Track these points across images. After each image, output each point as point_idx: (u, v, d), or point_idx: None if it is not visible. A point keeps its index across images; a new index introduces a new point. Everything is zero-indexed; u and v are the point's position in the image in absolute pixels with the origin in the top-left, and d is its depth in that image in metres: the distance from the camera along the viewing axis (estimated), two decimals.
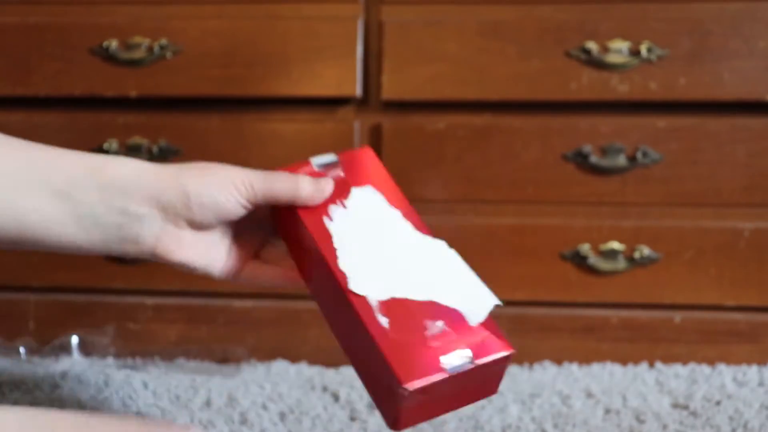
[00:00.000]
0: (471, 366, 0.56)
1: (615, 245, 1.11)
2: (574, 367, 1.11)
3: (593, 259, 1.11)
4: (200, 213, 0.65)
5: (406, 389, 0.54)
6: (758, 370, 1.08)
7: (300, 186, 0.67)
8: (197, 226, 0.67)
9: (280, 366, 1.13)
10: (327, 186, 0.68)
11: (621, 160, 1.10)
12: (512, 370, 1.10)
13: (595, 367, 1.10)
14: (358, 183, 0.70)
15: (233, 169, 0.66)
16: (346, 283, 0.61)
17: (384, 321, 0.58)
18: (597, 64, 1.08)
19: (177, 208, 0.65)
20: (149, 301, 1.17)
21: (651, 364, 1.12)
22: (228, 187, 0.65)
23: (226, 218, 0.67)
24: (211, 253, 0.68)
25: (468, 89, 1.11)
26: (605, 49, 1.08)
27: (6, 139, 0.64)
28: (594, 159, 1.10)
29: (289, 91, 1.12)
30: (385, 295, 0.61)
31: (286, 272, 0.72)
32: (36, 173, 0.63)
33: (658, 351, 1.12)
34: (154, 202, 0.65)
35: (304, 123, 1.13)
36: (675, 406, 0.99)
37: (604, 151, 1.10)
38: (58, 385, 1.00)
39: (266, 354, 1.15)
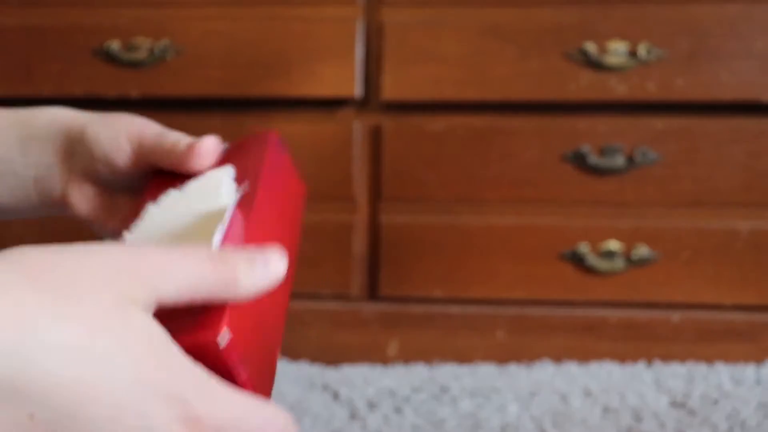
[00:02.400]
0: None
1: (613, 245, 1.11)
2: (572, 366, 1.11)
3: (592, 259, 1.12)
4: (93, 163, 0.58)
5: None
6: (755, 368, 1.08)
7: (181, 140, 0.56)
8: (95, 179, 0.59)
9: (280, 364, 1.13)
10: (204, 146, 0.55)
11: (619, 161, 1.10)
12: (511, 369, 1.11)
13: (594, 366, 1.11)
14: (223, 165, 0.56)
15: (131, 119, 0.59)
16: None
17: None
18: (595, 64, 1.09)
19: (79, 157, 0.59)
20: None
21: (649, 363, 1.12)
22: (115, 134, 0.57)
23: (117, 170, 0.58)
24: (121, 215, 0.60)
25: (468, 90, 1.11)
26: (604, 50, 1.09)
27: None
28: (592, 159, 1.11)
29: (289, 92, 1.13)
30: None
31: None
32: None
33: (656, 350, 1.13)
34: (62, 150, 0.59)
35: (305, 124, 1.14)
36: (673, 404, 1.00)
37: (602, 152, 1.11)
38: None
39: None
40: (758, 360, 1.11)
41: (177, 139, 0.56)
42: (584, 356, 1.13)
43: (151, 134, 0.57)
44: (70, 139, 0.59)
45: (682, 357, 1.12)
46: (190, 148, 0.55)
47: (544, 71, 1.10)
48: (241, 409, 0.40)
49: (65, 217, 0.62)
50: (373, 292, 1.17)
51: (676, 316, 1.13)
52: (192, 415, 0.37)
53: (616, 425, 0.94)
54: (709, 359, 1.12)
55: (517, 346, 1.15)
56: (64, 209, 0.61)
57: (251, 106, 1.15)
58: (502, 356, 1.14)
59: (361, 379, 1.07)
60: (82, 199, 0.60)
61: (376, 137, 1.14)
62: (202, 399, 0.38)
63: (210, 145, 0.55)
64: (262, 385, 0.47)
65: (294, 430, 0.42)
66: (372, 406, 1.00)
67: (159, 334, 0.38)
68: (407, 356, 1.16)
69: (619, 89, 1.09)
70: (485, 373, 1.10)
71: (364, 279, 1.17)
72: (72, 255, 0.38)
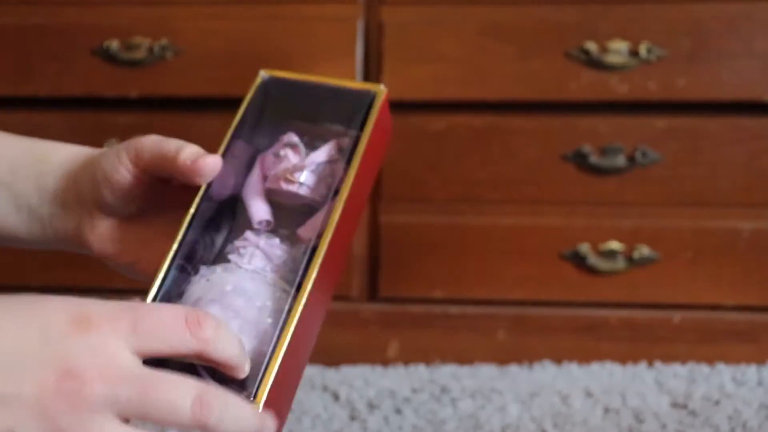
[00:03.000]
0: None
1: (614, 245, 1.11)
2: (573, 367, 1.11)
3: (592, 259, 1.11)
4: (98, 189, 0.57)
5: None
6: (757, 369, 1.08)
7: (184, 148, 0.55)
8: (104, 208, 0.58)
9: None
10: (209, 166, 0.54)
11: (620, 161, 1.10)
12: (512, 370, 1.10)
13: (595, 367, 1.10)
14: None
15: (132, 139, 0.57)
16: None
17: None
18: (596, 64, 1.09)
19: (86, 188, 0.58)
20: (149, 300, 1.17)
21: (650, 364, 1.12)
22: (116, 153, 0.56)
23: (120, 192, 0.57)
24: (135, 248, 0.59)
25: (468, 89, 1.11)
26: (604, 50, 1.09)
27: None
28: (593, 159, 1.10)
29: None
30: None
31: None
32: None
33: (658, 350, 1.13)
34: (73, 186, 0.58)
35: None
36: (674, 405, 0.99)
37: (603, 152, 1.10)
38: None
39: None
40: (760, 361, 1.11)
41: (178, 145, 0.55)
42: (585, 357, 1.13)
43: (149, 143, 0.56)
44: (78, 173, 0.59)
45: (683, 358, 1.12)
46: (194, 164, 0.54)
47: (544, 71, 1.10)
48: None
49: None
50: (372, 293, 1.17)
51: (677, 317, 1.13)
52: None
53: (617, 426, 0.94)
54: (710, 360, 1.11)
55: (518, 346, 1.15)
56: (80, 247, 0.60)
57: None
58: (503, 357, 1.14)
59: (361, 380, 1.07)
60: (95, 234, 0.59)
61: None
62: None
63: (214, 164, 0.55)
64: (284, 405, 0.49)
65: None
66: (372, 406, 0.99)
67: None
68: (407, 357, 1.15)
69: (619, 89, 1.09)
70: (486, 373, 1.09)
71: (364, 279, 1.17)
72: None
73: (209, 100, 1.15)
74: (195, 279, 0.52)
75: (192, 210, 0.53)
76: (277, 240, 0.53)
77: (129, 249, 0.59)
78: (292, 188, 0.54)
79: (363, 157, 0.54)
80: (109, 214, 0.58)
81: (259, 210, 0.55)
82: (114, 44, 1.13)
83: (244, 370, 0.45)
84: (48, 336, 0.41)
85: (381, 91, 0.57)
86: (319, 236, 0.51)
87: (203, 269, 0.52)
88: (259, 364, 0.46)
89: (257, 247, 0.52)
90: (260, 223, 0.54)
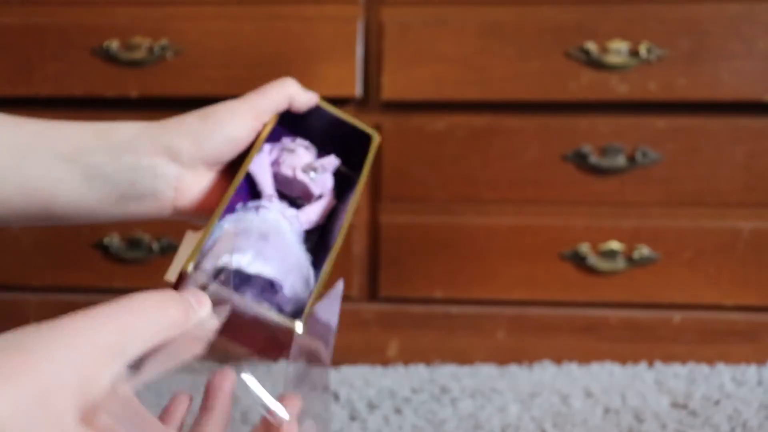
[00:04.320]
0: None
1: (614, 245, 1.11)
2: (573, 367, 1.11)
3: (592, 259, 1.11)
4: (213, 148, 0.63)
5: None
6: (757, 369, 1.08)
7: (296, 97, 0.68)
8: (212, 162, 0.64)
9: (280, 365, 1.13)
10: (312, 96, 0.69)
11: (620, 161, 1.10)
12: (512, 370, 1.10)
13: (595, 367, 1.11)
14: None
15: (235, 104, 0.67)
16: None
17: None
18: (596, 64, 1.09)
19: (190, 150, 0.62)
20: None
21: (650, 364, 1.12)
22: (240, 114, 0.65)
23: (239, 147, 0.65)
24: (214, 196, 0.65)
25: (468, 89, 1.11)
26: (604, 50, 1.09)
27: (8, 117, 0.62)
28: (593, 159, 1.10)
29: None
30: None
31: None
32: (42, 142, 0.60)
33: (658, 350, 1.13)
34: (164, 150, 0.62)
35: None
36: (674, 405, 0.99)
37: (603, 152, 1.10)
38: None
39: None
40: (760, 361, 1.11)
41: (289, 96, 0.67)
42: (585, 357, 1.13)
43: (268, 105, 0.66)
44: (170, 139, 0.63)
45: (683, 358, 1.12)
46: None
47: (544, 71, 1.10)
48: None
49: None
50: (373, 293, 1.17)
51: (677, 317, 1.13)
52: None
53: (617, 426, 0.94)
54: (710, 360, 1.12)
55: (518, 346, 1.15)
56: (172, 210, 0.64)
57: None
58: (503, 357, 1.14)
59: (361, 380, 1.07)
60: (199, 192, 0.63)
61: None
62: None
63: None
64: None
65: None
66: (372, 406, 0.99)
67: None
68: (407, 357, 1.15)
69: (620, 89, 1.09)
70: (486, 373, 1.09)
71: (364, 279, 1.17)
72: (41, 341, 0.40)
73: (209, 100, 1.14)
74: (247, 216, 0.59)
75: (248, 165, 0.61)
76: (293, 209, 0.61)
77: (210, 197, 0.64)
78: (306, 180, 0.62)
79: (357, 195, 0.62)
80: (210, 167, 0.64)
81: (269, 186, 0.62)
82: (114, 44, 1.13)
83: None
84: None
85: (376, 137, 0.66)
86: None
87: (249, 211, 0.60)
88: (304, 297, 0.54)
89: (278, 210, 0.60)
90: (269, 197, 0.61)
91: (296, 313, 0.53)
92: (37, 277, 1.19)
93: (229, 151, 0.64)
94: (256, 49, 1.12)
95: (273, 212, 0.59)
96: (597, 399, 1.01)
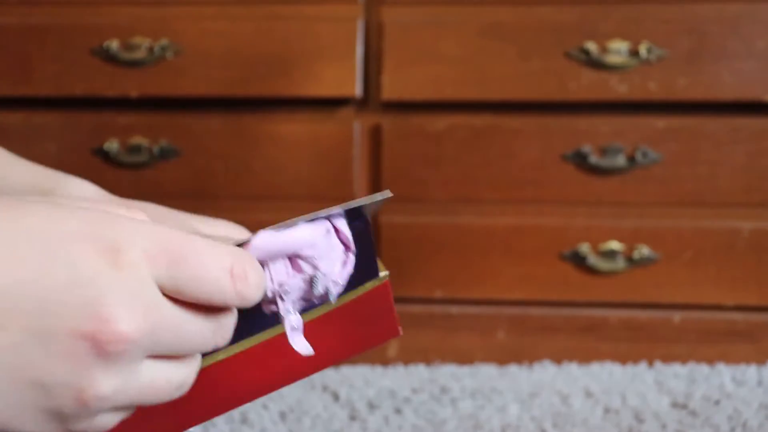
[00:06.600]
0: None
1: (614, 245, 1.11)
2: (573, 367, 1.11)
3: (592, 259, 1.11)
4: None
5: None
6: (757, 369, 1.08)
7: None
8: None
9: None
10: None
11: (620, 161, 1.10)
12: (512, 370, 1.10)
13: (595, 367, 1.11)
14: None
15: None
16: None
17: None
18: (596, 64, 1.09)
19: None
20: None
21: (650, 364, 1.12)
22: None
23: None
24: None
25: (468, 89, 1.11)
26: (604, 50, 1.09)
27: None
28: (593, 159, 1.10)
29: (289, 92, 1.13)
30: None
31: None
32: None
33: (658, 351, 1.13)
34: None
35: (305, 123, 1.14)
36: (674, 405, 0.99)
37: (603, 152, 1.11)
38: None
39: None
40: (760, 361, 1.11)
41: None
42: (585, 357, 1.13)
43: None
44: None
45: (683, 358, 1.12)
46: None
47: (544, 71, 1.10)
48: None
49: None
50: None
51: (677, 317, 1.13)
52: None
53: (617, 426, 0.94)
54: (710, 360, 1.12)
55: (518, 346, 1.15)
56: None
57: (251, 105, 1.14)
58: (503, 357, 1.14)
59: (361, 380, 1.07)
60: None
61: (375, 137, 1.14)
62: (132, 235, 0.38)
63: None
64: None
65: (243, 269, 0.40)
66: (372, 407, 0.99)
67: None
68: (407, 357, 1.15)
69: (620, 89, 1.09)
70: (486, 373, 1.09)
71: None
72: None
73: (209, 100, 1.15)
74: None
75: None
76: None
77: None
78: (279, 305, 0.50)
79: (319, 318, 0.51)
80: None
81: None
82: (114, 44, 1.13)
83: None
84: (76, 276, 0.36)
85: (382, 277, 0.54)
86: None
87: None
88: None
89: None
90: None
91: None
92: None
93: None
94: (256, 49, 1.12)
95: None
96: (597, 399, 1.01)
